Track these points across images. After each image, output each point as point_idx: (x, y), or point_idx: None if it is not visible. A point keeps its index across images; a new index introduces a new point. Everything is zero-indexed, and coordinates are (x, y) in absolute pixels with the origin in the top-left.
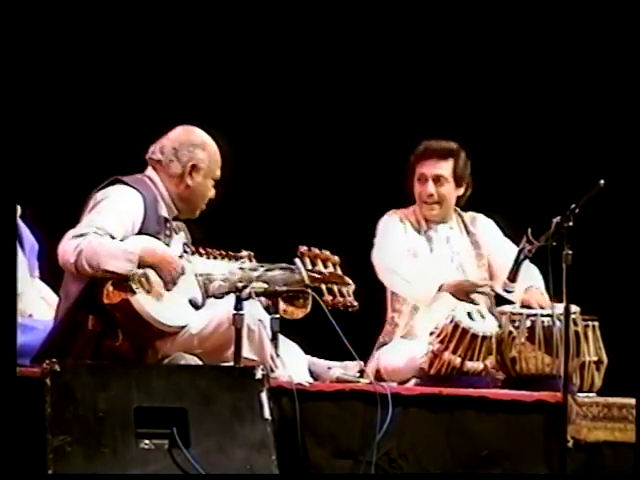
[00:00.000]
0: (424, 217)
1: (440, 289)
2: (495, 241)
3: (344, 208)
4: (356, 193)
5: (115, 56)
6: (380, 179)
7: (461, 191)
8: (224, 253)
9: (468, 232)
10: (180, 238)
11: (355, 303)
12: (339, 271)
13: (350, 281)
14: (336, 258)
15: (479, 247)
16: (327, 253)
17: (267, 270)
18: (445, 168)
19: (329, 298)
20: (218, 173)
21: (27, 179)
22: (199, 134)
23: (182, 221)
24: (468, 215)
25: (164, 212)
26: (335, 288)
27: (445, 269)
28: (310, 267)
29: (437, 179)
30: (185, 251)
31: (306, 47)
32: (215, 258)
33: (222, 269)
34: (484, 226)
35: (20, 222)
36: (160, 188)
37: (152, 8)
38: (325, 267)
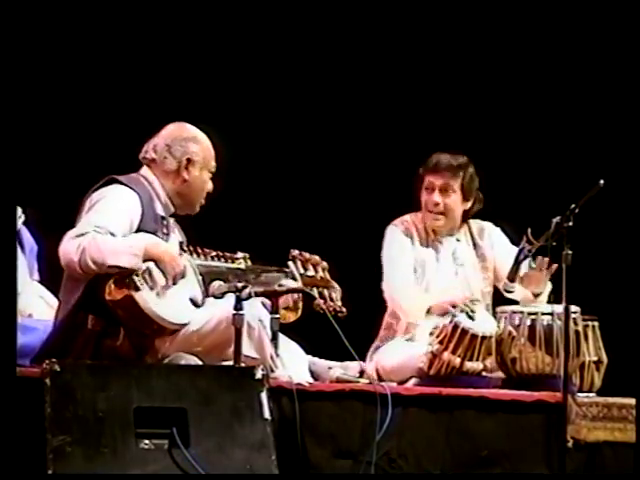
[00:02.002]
0: (431, 228)
1: (429, 311)
2: (502, 251)
3: (337, 213)
4: (350, 198)
5: (111, 58)
6: (375, 185)
7: (468, 205)
8: (220, 254)
9: (475, 244)
10: (176, 236)
11: (344, 309)
12: (328, 276)
13: (338, 286)
14: (325, 264)
15: (485, 260)
16: (317, 258)
17: (262, 272)
18: (453, 181)
19: (321, 302)
20: (213, 163)
21: (27, 181)
22: (190, 129)
23: (177, 220)
24: (476, 225)
25: (160, 210)
26: (326, 292)
27: (450, 283)
28: (302, 271)
29: (444, 190)
30: (182, 249)
31: (309, 52)
32: (212, 259)
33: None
34: (491, 237)
35: (20, 224)
36: (156, 186)
37: (147, 11)
38: (315, 272)
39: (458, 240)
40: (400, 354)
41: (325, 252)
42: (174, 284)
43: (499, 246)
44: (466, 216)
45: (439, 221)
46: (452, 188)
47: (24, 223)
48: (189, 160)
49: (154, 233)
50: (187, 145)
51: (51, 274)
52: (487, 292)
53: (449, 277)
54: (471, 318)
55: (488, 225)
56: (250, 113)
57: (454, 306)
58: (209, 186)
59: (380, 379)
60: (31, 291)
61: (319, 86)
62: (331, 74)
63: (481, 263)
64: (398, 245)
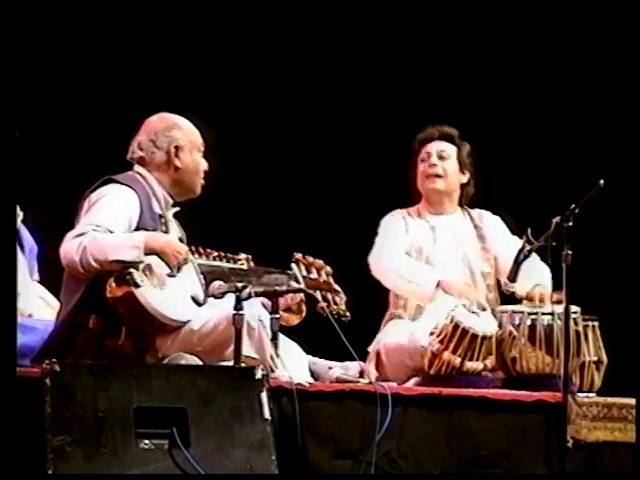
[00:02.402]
0: (428, 202)
1: (438, 286)
2: (503, 239)
3: (340, 216)
4: (354, 200)
5: (111, 59)
6: (379, 189)
7: (464, 179)
8: (222, 255)
9: (475, 226)
10: (175, 233)
11: (348, 313)
12: (331, 280)
13: (341, 291)
14: (329, 268)
15: (485, 241)
16: (321, 262)
17: (265, 273)
18: (449, 149)
19: (324, 304)
20: (200, 141)
21: (27, 181)
22: (169, 117)
23: (177, 218)
24: (475, 211)
25: (157, 208)
26: (329, 296)
27: (449, 259)
28: (305, 273)
29: (441, 155)
30: None
31: (307, 51)
32: (214, 259)
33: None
34: (491, 223)
35: (19, 222)
36: (151, 183)
37: (143, 13)
38: (319, 275)
39: (456, 219)
40: (402, 333)
41: (328, 254)
42: (179, 270)
43: (499, 234)
44: (462, 194)
45: (437, 183)
46: (448, 154)
47: (23, 221)
48: (177, 147)
49: (153, 231)
50: (170, 134)
51: (51, 274)
52: (487, 273)
53: (449, 255)
54: (473, 317)
55: (487, 212)
56: (253, 116)
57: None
58: (204, 165)
59: (381, 361)
60: (31, 291)
61: (322, 87)
62: (333, 74)
63: (481, 244)
64: (392, 230)
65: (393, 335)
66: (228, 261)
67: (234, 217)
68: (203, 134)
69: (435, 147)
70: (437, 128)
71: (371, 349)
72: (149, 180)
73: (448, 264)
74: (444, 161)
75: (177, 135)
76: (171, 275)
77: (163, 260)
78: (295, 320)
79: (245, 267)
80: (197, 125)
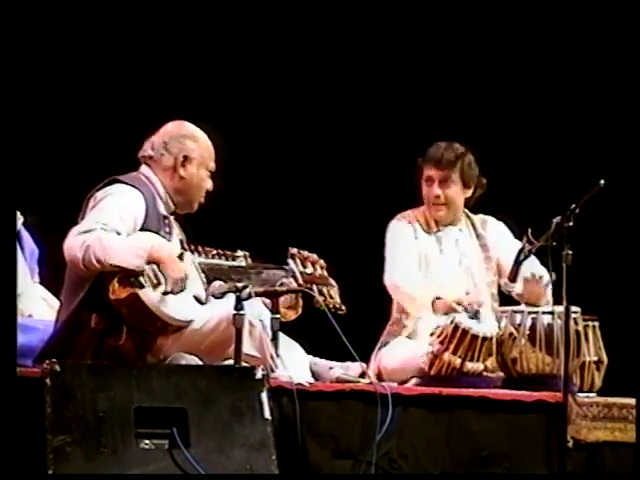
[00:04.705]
0: (433, 218)
1: (433, 305)
2: (505, 244)
3: (334, 210)
4: (350, 196)
5: (110, 63)
6: (373, 182)
7: (469, 193)
8: (221, 252)
9: (478, 235)
10: (177, 235)
11: (343, 306)
12: (326, 274)
13: (335, 283)
14: (322, 262)
15: (488, 250)
16: (315, 256)
17: (263, 269)
18: (452, 172)
19: (321, 299)
20: (212, 165)
21: (27, 184)
22: (188, 127)
23: (175, 219)
24: (478, 218)
25: (163, 209)
26: (325, 289)
27: (454, 271)
28: (301, 268)
29: (444, 181)
30: (183, 247)
31: (306, 48)
32: (212, 257)
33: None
34: (494, 229)
35: (19, 225)
36: (156, 185)
37: (145, 12)
38: (314, 269)
39: (460, 230)
40: (402, 354)
41: (324, 251)
42: (172, 292)
43: (502, 239)
44: (467, 202)
45: (441, 212)
46: (451, 179)
47: (24, 224)
48: (185, 157)
49: (157, 232)
50: (184, 142)
51: (52, 277)
52: (491, 281)
53: (453, 267)
54: (476, 318)
55: (491, 218)
56: (248, 110)
57: (459, 303)
58: (208, 185)
59: (382, 380)
60: (32, 292)
61: (317, 83)
62: (328, 71)
63: (484, 253)
64: (401, 239)
65: (394, 357)
66: (227, 259)
67: (230, 214)
68: (217, 157)
69: (438, 173)
70: (439, 154)
71: (374, 359)
72: (154, 182)
73: (452, 276)
74: (447, 188)
75: (190, 146)
76: (165, 293)
77: (161, 271)
78: (292, 315)
79: (244, 264)
80: (207, 131)
